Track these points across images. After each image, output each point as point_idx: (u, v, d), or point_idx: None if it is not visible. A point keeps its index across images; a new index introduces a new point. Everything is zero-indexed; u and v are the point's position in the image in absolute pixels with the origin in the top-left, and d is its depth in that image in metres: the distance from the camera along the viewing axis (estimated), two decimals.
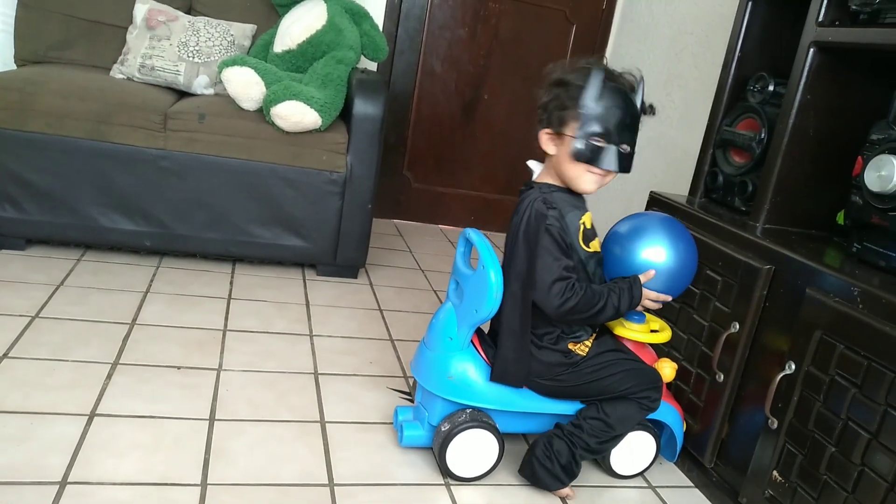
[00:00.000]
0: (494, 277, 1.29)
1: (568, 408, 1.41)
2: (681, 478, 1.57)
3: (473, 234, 1.37)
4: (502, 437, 1.41)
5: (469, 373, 1.37)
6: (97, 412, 1.41)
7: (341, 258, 2.34)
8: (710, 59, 2.48)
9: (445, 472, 1.40)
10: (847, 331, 1.16)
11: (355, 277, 2.43)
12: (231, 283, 2.19)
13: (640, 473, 1.53)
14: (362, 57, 2.49)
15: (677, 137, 2.61)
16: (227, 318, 1.94)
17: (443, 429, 1.38)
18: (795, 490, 1.23)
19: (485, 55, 3.15)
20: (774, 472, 1.28)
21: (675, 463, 1.58)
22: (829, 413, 1.18)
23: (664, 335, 1.47)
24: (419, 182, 3.27)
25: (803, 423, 1.23)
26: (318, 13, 2.36)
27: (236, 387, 1.60)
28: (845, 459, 1.14)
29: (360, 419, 1.56)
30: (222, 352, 1.75)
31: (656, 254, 1.34)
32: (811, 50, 1.41)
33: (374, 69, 2.95)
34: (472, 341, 1.39)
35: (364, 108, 2.21)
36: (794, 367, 1.25)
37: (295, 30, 2.35)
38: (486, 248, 1.32)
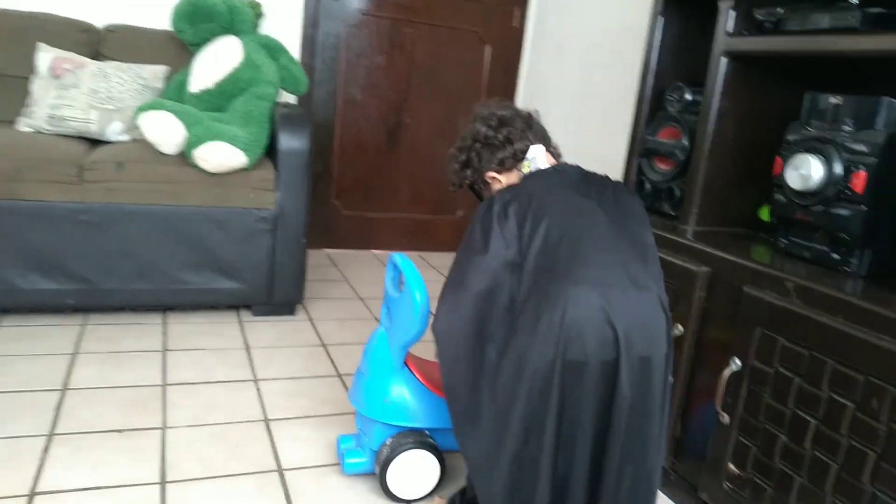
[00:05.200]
0: (420, 298, 1.30)
1: None
2: None
3: (398, 257, 1.39)
4: (442, 455, 1.41)
5: (405, 395, 1.38)
6: (37, 490, 1.32)
7: (277, 296, 2.29)
8: (622, 69, 2.56)
9: (388, 496, 1.40)
10: (786, 324, 1.22)
11: (293, 314, 2.38)
12: (164, 333, 2.11)
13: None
14: (282, 91, 2.45)
15: (597, 146, 2.68)
16: (164, 372, 1.86)
17: (382, 453, 1.38)
18: (752, 480, 1.27)
19: (404, 80, 3.17)
20: (730, 465, 1.32)
21: None
22: (777, 404, 1.23)
23: None
24: (349, 209, 3.24)
25: (753, 415, 1.27)
26: (234, 50, 2.31)
27: (184, 444, 1.53)
28: (797, 447, 1.19)
29: (319, 462, 1.52)
30: (164, 408, 1.67)
31: None
32: (723, 59, 1.49)
33: (295, 102, 2.91)
34: (406, 364, 1.40)
35: (289, 142, 2.18)
36: (739, 363, 1.30)
37: (212, 68, 2.30)
38: (411, 271, 1.34)
